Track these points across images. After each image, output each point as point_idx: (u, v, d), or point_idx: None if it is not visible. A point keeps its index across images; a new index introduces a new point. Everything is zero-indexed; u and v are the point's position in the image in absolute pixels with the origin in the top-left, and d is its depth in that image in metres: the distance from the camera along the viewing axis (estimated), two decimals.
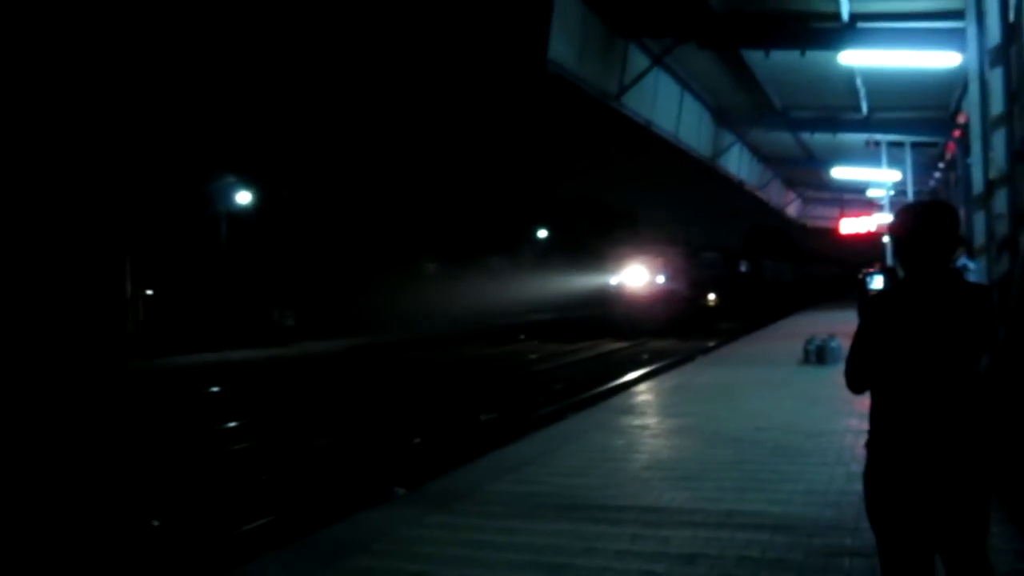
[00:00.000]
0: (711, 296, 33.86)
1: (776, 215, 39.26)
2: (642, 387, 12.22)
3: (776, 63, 14.77)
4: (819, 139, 22.79)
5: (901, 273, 2.63)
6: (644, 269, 31.60)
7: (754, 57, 15.02)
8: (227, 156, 27.36)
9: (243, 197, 28.06)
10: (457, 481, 6.41)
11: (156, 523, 7.82)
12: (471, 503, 5.66)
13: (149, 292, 28.77)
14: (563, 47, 12.39)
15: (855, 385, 2.61)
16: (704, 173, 24.15)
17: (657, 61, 15.18)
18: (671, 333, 27.56)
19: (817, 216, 44.62)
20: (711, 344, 22.16)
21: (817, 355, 12.80)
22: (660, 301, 30.01)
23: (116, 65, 23.17)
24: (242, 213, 28.25)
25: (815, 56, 13.34)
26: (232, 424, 12.93)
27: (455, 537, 4.90)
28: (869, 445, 2.54)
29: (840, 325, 15.53)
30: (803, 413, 8.76)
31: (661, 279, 31.23)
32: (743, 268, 39.66)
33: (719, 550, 4.42)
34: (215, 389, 17.36)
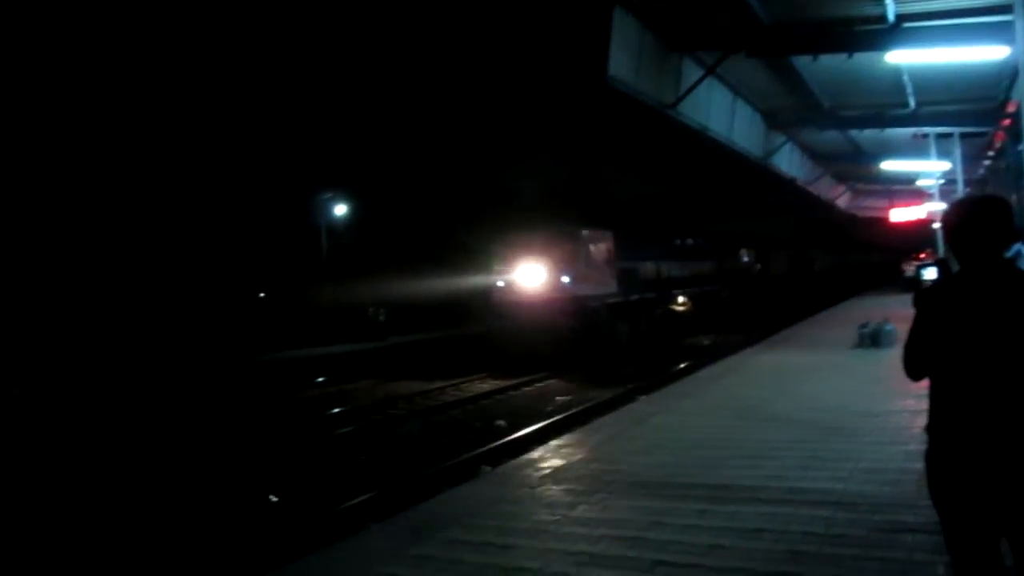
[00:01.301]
0: (680, 300, 24.03)
1: (826, 208, 37.81)
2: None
3: (824, 66, 14.25)
4: (868, 135, 21.88)
5: (954, 265, 2.49)
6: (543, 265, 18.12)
7: (802, 62, 14.54)
8: (324, 171, 28.12)
9: (339, 209, 28.99)
10: (543, 458, 6.38)
11: (274, 498, 8.07)
12: (552, 479, 5.64)
13: (262, 295, 29.96)
14: (622, 63, 12.24)
15: (913, 373, 2.48)
16: (756, 172, 23.46)
17: (710, 71, 14.82)
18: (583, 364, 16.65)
19: (867, 207, 42.88)
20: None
21: (872, 339, 12.27)
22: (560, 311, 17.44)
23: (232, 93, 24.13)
24: (338, 223, 29.12)
25: (862, 57, 12.81)
26: (336, 410, 13.27)
27: (536, 511, 4.89)
28: (929, 429, 2.40)
29: (893, 310, 14.87)
30: (858, 394, 8.42)
31: (565, 279, 17.93)
32: (745, 260, 31.59)
33: (783, 525, 4.28)
34: (320, 379, 17.85)
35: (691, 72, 14.76)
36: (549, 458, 6.34)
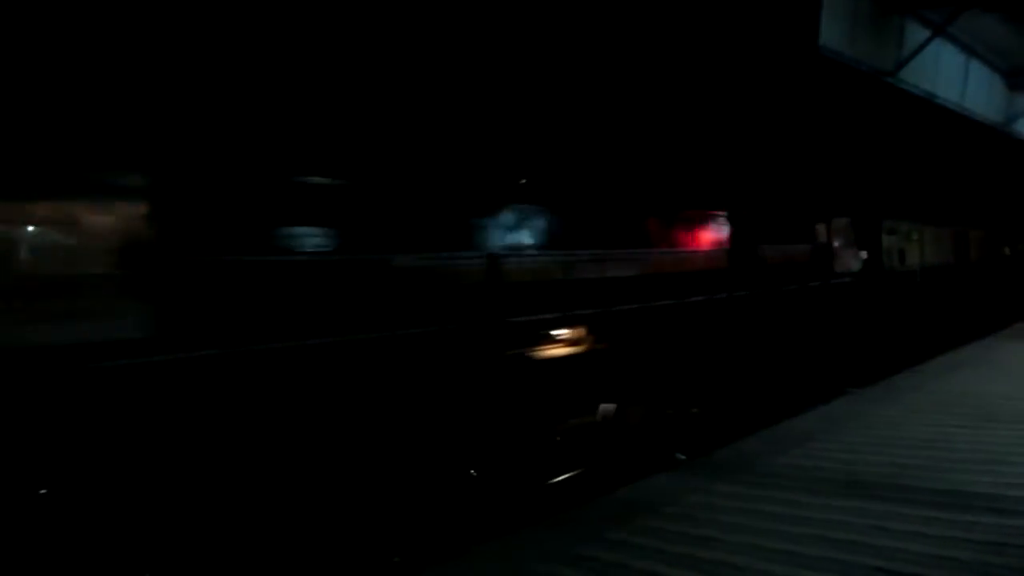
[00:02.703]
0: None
1: None
2: None
3: None
4: None
5: None
6: None
7: None
8: None
9: None
10: (740, 450, 6.12)
11: (473, 472, 8.40)
12: (754, 474, 5.38)
13: None
14: (835, 31, 11.28)
15: None
16: (993, 140, 20.49)
17: (939, 31, 13.21)
18: None
19: None
20: None
21: None
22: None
23: None
24: None
25: None
26: None
27: (740, 506, 4.68)
28: None
29: None
30: None
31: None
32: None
33: None
34: None
35: (915, 33, 13.26)
36: (753, 450, 6.05)
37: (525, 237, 7.78)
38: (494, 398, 7.29)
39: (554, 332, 8.14)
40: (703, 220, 13.19)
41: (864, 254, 17.58)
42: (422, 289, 6.24)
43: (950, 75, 15.41)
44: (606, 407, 8.91)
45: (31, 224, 4.21)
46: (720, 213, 13.43)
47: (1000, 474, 4.91)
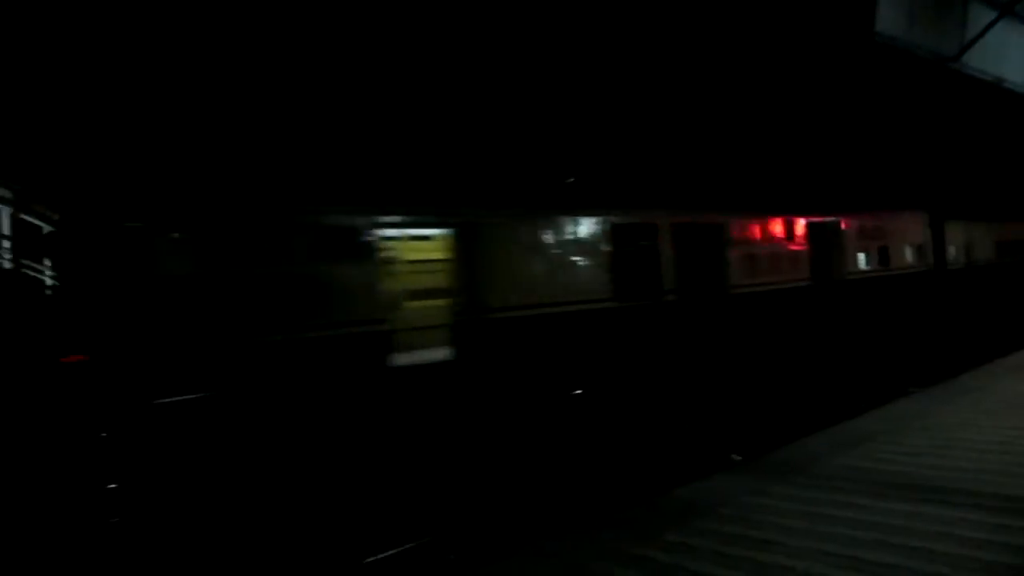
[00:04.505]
0: None
1: None
2: None
3: None
4: None
5: None
6: None
7: None
8: None
9: None
10: (798, 452, 6.02)
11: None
12: (812, 476, 5.29)
13: None
14: (892, 16, 10.94)
15: None
16: None
17: (1006, 10, 12.69)
18: None
19: None
20: None
21: None
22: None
23: None
24: None
25: None
26: None
27: (798, 509, 4.62)
28: None
29: None
30: None
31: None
32: None
33: None
34: None
35: (980, 15, 12.76)
36: (811, 451, 5.95)
37: None
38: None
39: None
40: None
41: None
42: None
43: (1020, 57, 14.78)
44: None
45: None
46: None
47: None
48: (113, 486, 5.64)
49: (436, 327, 8.33)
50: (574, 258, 9.11)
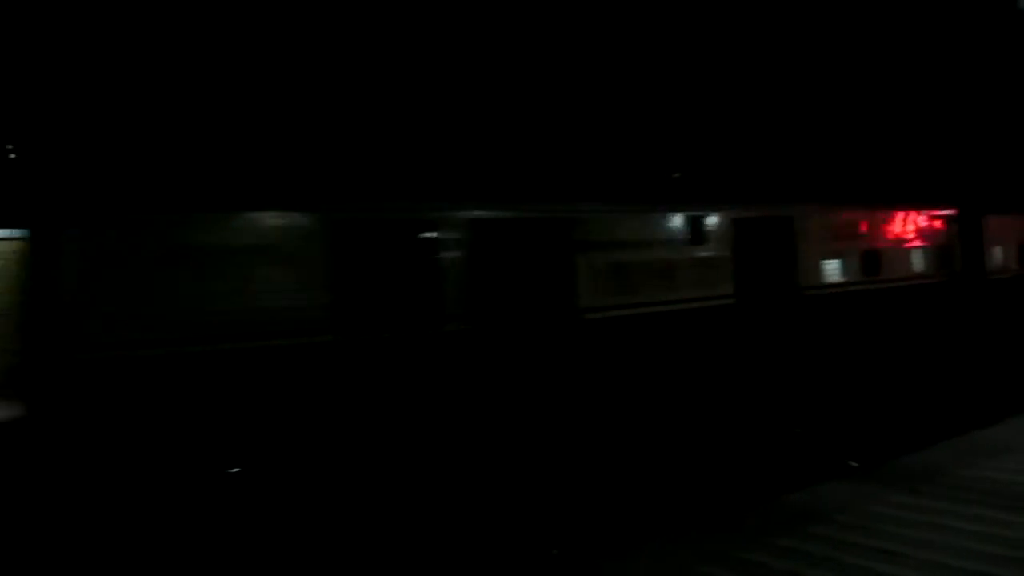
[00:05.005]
0: None
1: None
2: None
3: None
4: None
5: None
6: None
7: None
8: None
9: None
10: (922, 461, 5.71)
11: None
12: (939, 486, 5.01)
13: None
14: None
15: None
16: None
17: None
18: None
19: None
20: None
21: None
22: None
23: None
24: None
25: None
26: None
27: (923, 520, 4.39)
28: None
29: None
30: None
31: None
32: None
33: None
34: None
35: None
36: (936, 460, 5.63)
37: None
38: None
39: None
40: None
41: None
42: None
43: None
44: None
45: None
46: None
47: None
48: None
49: None
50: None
